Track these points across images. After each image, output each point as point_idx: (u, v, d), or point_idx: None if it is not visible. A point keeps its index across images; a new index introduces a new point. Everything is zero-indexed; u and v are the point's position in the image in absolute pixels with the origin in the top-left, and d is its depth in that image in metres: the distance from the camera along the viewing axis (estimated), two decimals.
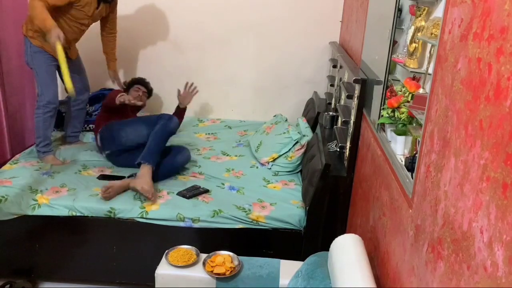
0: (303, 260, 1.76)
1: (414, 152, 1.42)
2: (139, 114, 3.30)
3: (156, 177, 2.56)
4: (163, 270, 1.84)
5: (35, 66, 2.76)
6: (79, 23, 2.77)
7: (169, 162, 2.74)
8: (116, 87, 3.29)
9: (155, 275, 1.83)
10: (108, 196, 2.35)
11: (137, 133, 2.74)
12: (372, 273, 1.38)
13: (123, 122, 2.90)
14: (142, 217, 2.28)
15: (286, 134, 2.87)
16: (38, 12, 2.48)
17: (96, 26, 3.00)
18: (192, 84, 3.15)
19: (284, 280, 1.78)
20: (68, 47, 2.83)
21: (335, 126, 2.72)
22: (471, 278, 0.84)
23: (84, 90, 3.07)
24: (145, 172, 2.45)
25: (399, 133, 1.58)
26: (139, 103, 2.95)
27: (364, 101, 2.11)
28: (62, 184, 2.49)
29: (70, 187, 2.46)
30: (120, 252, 2.35)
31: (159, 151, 2.62)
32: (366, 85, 2.07)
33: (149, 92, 3.36)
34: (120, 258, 2.36)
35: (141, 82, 3.32)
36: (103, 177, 2.62)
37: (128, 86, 3.26)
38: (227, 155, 3.07)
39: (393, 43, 1.75)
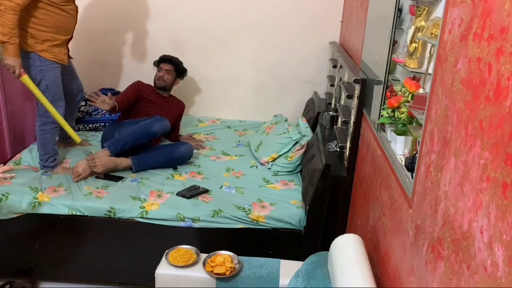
0: (303, 260, 1.76)
1: (414, 152, 1.42)
2: (165, 95, 3.17)
3: (153, 163, 2.69)
4: (163, 270, 1.84)
5: (46, 82, 2.47)
6: (58, 7, 2.41)
7: (170, 150, 2.77)
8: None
9: (155, 275, 1.84)
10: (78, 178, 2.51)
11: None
12: (372, 273, 1.38)
13: (121, 123, 2.91)
14: (142, 217, 2.28)
15: (286, 134, 2.87)
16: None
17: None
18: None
19: (284, 280, 1.78)
20: (69, 39, 2.59)
21: (335, 126, 2.71)
22: (471, 278, 0.84)
23: (80, 91, 2.88)
24: (99, 154, 2.58)
25: (399, 133, 1.58)
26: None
27: (364, 101, 2.11)
28: (59, 183, 2.48)
29: (66, 186, 2.46)
30: (120, 252, 2.35)
31: (126, 142, 2.64)
32: (366, 85, 2.07)
33: (178, 71, 3.17)
34: (120, 258, 2.36)
35: (164, 59, 3.15)
36: (102, 176, 2.61)
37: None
38: (227, 155, 3.07)
39: (393, 43, 1.75)
